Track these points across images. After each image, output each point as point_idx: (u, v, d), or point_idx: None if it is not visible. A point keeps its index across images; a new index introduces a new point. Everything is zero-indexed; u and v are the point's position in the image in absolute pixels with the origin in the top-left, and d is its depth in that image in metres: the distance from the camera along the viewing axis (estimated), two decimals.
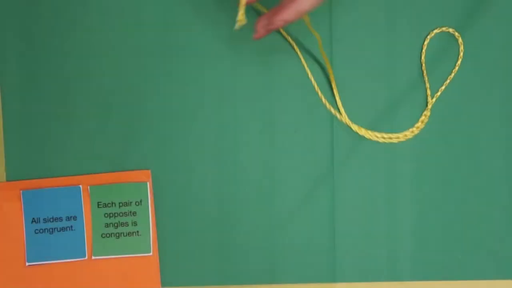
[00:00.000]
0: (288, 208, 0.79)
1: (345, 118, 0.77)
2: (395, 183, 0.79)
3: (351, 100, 0.78)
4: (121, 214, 0.77)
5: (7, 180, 0.77)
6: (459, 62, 0.79)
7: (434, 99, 0.78)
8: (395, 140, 0.78)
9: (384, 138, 0.78)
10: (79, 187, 0.77)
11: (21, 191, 0.77)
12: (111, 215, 0.77)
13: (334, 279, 0.79)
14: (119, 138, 0.78)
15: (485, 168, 0.79)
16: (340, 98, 0.78)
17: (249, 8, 0.77)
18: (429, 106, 0.78)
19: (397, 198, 0.79)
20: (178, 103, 0.78)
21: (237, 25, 0.71)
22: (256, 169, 0.78)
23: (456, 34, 0.79)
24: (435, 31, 0.79)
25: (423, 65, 0.78)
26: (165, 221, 0.78)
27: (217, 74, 0.78)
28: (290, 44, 0.78)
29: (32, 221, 0.77)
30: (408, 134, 0.78)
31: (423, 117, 0.79)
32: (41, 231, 0.77)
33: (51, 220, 0.77)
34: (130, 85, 0.78)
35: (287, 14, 0.69)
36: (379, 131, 0.78)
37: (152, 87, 0.78)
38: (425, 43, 0.79)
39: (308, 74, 0.78)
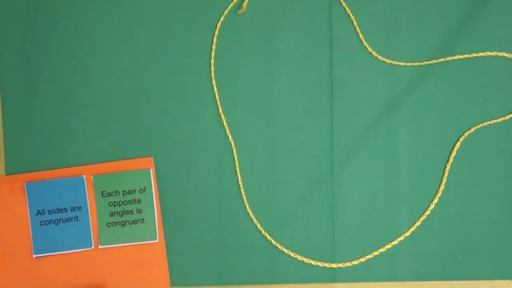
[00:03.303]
0: (288, 208, 0.79)
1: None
2: (395, 183, 0.79)
3: (350, 100, 0.79)
4: (125, 203, 0.77)
5: (7, 173, 0.77)
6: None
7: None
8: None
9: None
10: (82, 177, 0.77)
11: (24, 184, 0.77)
12: (115, 203, 0.77)
13: (334, 279, 0.79)
14: (120, 126, 0.79)
15: (485, 168, 0.79)
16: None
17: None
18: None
19: (397, 198, 0.79)
20: (179, 93, 0.79)
21: (239, 12, 0.76)
22: (256, 169, 0.79)
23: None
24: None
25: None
26: (169, 207, 0.78)
27: (217, 75, 0.79)
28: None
29: (37, 213, 0.77)
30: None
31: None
32: (46, 222, 0.77)
33: (56, 211, 0.77)
34: (131, 73, 0.79)
35: None
36: (379, 131, 0.79)
37: (153, 76, 0.79)
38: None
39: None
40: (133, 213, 0.77)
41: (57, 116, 0.78)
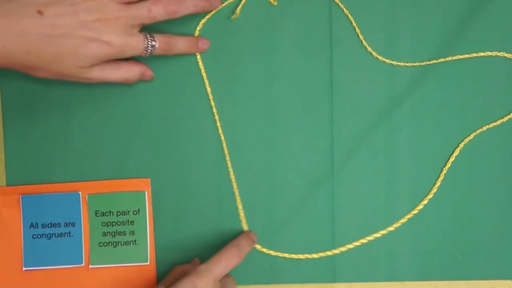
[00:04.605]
0: (288, 208, 0.78)
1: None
2: (395, 183, 0.78)
3: (350, 100, 0.78)
4: (118, 223, 0.77)
5: (7, 185, 0.77)
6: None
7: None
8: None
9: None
10: (79, 194, 0.76)
11: (20, 196, 0.76)
12: (108, 224, 0.77)
13: (334, 279, 0.79)
14: (119, 144, 0.78)
15: (485, 168, 0.79)
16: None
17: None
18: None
19: (397, 198, 0.78)
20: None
21: (233, 17, 0.76)
22: (256, 169, 0.78)
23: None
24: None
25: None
26: (162, 230, 0.78)
27: (216, 76, 0.78)
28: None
29: (30, 226, 0.76)
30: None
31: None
32: (39, 236, 0.76)
33: (50, 225, 0.76)
34: (130, 93, 0.78)
35: None
36: (379, 131, 0.78)
37: (151, 94, 0.77)
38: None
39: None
40: (125, 234, 0.77)
41: (58, 130, 0.78)
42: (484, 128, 0.78)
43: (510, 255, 0.79)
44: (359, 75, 0.78)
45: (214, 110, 0.78)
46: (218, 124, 0.78)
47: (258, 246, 0.78)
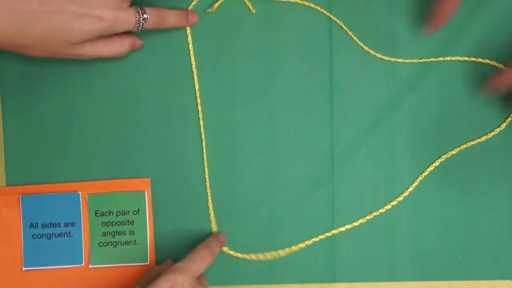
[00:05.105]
0: (288, 208, 0.78)
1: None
2: (395, 182, 0.78)
3: (351, 100, 0.78)
4: (118, 223, 0.76)
5: (7, 185, 0.77)
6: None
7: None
8: None
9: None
10: (78, 194, 0.76)
11: (20, 196, 0.76)
12: (108, 224, 0.76)
13: (334, 279, 0.79)
14: (119, 143, 0.78)
15: (485, 168, 0.79)
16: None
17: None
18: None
19: (397, 197, 0.78)
20: (177, 108, 0.78)
21: (209, 10, 0.76)
22: (256, 169, 0.78)
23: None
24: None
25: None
26: (162, 230, 0.78)
27: (216, 76, 0.78)
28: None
29: (30, 226, 0.76)
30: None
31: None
32: (39, 236, 0.76)
33: (49, 225, 0.76)
34: (130, 93, 0.77)
35: None
36: (379, 131, 0.78)
37: (151, 95, 0.77)
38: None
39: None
40: (125, 234, 0.77)
41: (58, 130, 0.78)
42: (485, 130, 0.78)
43: (510, 255, 0.79)
44: (359, 75, 0.78)
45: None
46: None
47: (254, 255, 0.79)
